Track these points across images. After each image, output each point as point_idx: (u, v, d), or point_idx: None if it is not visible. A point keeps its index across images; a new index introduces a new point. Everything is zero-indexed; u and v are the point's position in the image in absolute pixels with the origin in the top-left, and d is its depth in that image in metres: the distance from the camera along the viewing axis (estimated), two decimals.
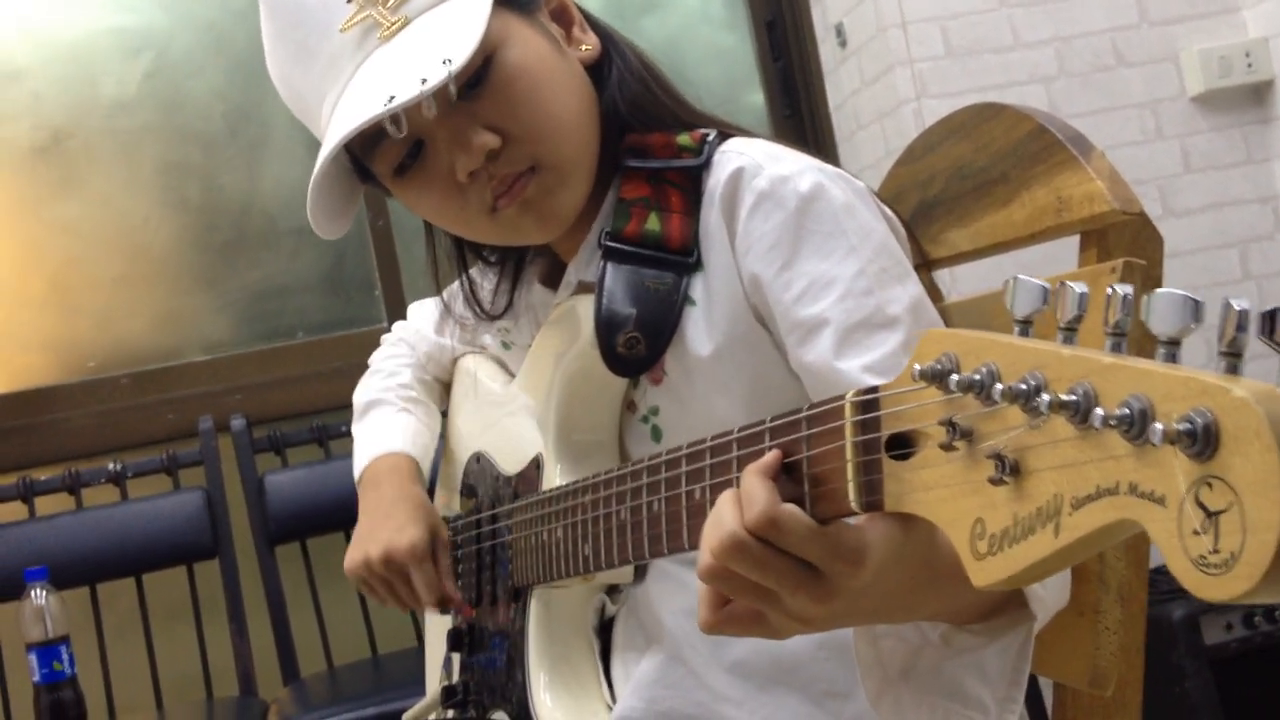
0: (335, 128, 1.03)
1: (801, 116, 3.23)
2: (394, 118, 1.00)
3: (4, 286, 2.90)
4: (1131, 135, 2.94)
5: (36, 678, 1.96)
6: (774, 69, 3.26)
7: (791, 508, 0.71)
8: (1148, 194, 2.89)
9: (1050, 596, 0.86)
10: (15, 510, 2.59)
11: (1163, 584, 2.38)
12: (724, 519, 0.72)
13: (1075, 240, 1.10)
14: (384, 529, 1.24)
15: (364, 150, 1.07)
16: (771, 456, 0.75)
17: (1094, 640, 1.00)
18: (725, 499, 0.74)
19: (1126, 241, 1.05)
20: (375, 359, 1.46)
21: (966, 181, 1.21)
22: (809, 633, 0.77)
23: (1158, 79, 2.97)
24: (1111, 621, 1.00)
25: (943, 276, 1.26)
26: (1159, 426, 0.49)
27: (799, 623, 0.75)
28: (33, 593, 1.99)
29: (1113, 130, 2.90)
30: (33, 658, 1.97)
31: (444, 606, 1.24)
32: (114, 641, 2.53)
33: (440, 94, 0.98)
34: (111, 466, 2.62)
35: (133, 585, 2.54)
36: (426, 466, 1.35)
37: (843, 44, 3.07)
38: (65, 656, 1.98)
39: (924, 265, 1.18)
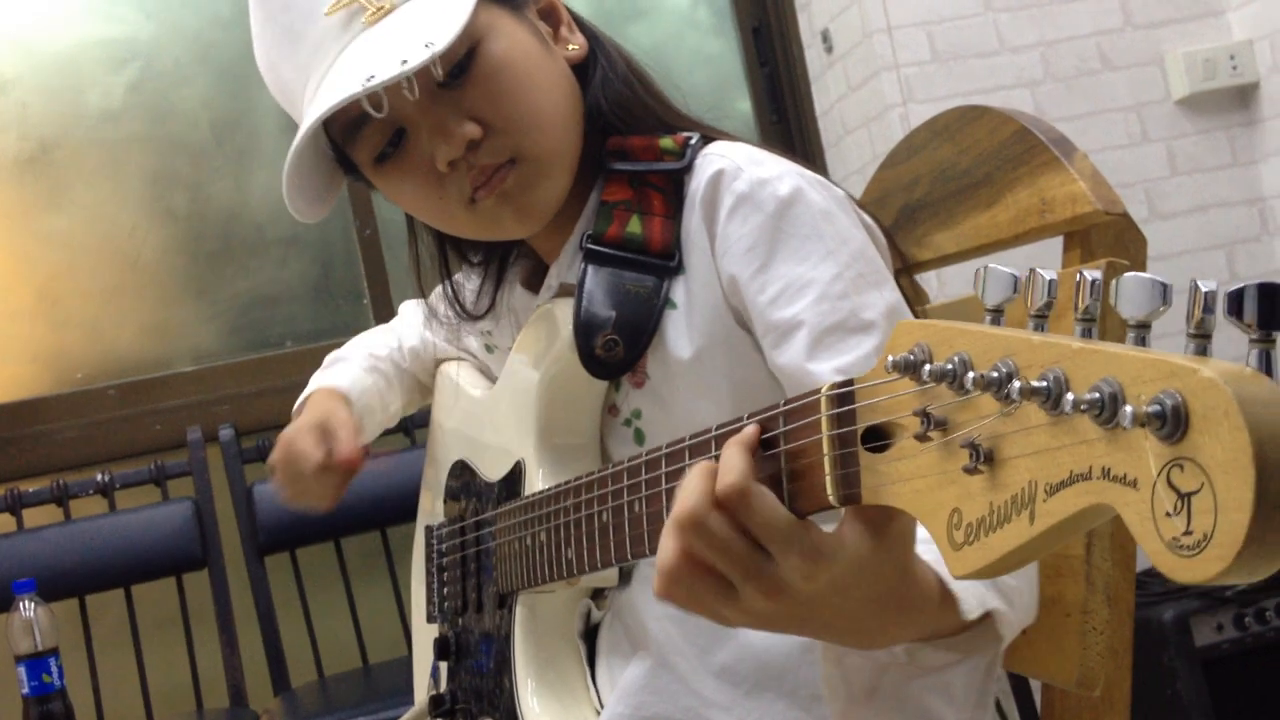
0: (315, 106, 1.03)
1: (788, 122, 3.24)
2: (374, 99, 1.00)
3: None
4: (1117, 139, 2.94)
5: (25, 690, 1.95)
6: (761, 75, 3.26)
7: (764, 488, 0.70)
8: (1134, 197, 2.89)
9: (1017, 615, 0.85)
10: (3, 522, 2.58)
11: (1154, 585, 2.39)
12: (692, 490, 0.71)
13: (1056, 241, 1.10)
14: (286, 429, 1.25)
15: (345, 137, 1.07)
16: (750, 429, 0.74)
17: (1081, 641, 1.00)
18: (697, 470, 0.73)
19: (1109, 242, 1.05)
20: (360, 335, 1.46)
21: (950, 184, 1.21)
22: (756, 629, 0.76)
23: (1143, 82, 2.98)
24: (1099, 622, 1.00)
25: (929, 279, 1.27)
26: (1129, 409, 0.48)
27: (745, 615, 0.73)
28: (21, 605, 1.98)
29: (1099, 134, 2.91)
30: (21, 670, 1.96)
31: (327, 474, 1.21)
32: (103, 653, 2.52)
33: (423, 80, 0.99)
34: (100, 478, 2.61)
35: (122, 596, 2.53)
36: (369, 426, 1.34)
37: (829, 49, 3.07)
38: (54, 669, 1.97)
39: (906, 270, 1.18)
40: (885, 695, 0.83)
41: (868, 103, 2.94)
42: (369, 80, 0.97)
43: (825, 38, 3.08)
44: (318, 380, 1.36)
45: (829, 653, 0.84)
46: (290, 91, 1.10)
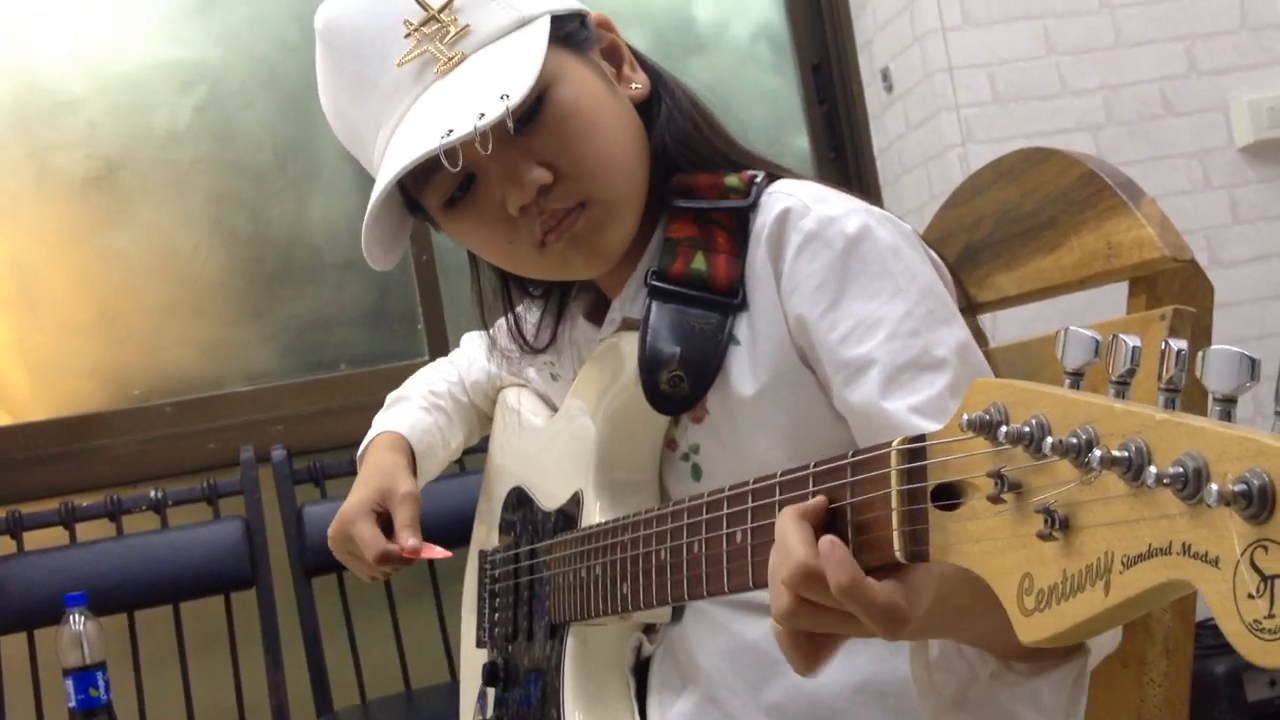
0: (391, 160, 1.03)
1: (846, 159, 3.24)
2: (449, 151, 1.00)
3: (54, 313, 2.93)
4: (1179, 185, 2.92)
5: (72, 703, 1.97)
6: (819, 112, 3.27)
7: (839, 566, 0.70)
8: (1195, 244, 2.85)
9: (1105, 637, 0.85)
10: (57, 535, 2.61)
11: (1207, 638, 2.35)
12: (795, 542, 0.72)
13: (1119, 286, 1.09)
14: (346, 503, 1.26)
15: (415, 183, 1.07)
16: (818, 501, 0.74)
17: (1139, 693, 0.99)
18: (793, 524, 0.73)
19: (1176, 289, 1.04)
20: (419, 372, 1.47)
21: (1014, 225, 1.20)
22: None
23: (1206, 129, 2.95)
24: (1157, 674, 0.99)
25: (983, 321, 1.26)
26: (1214, 487, 0.48)
27: (868, 635, 0.74)
28: (71, 618, 2.00)
29: (1160, 180, 2.88)
30: (69, 683, 1.97)
31: (387, 562, 1.21)
32: (150, 669, 2.53)
33: (495, 129, 0.99)
34: (153, 494, 2.63)
35: (170, 613, 2.55)
36: (428, 466, 1.35)
37: (889, 88, 3.07)
38: (101, 683, 1.98)
39: (969, 309, 1.17)
40: (974, 705, 0.83)
41: (927, 142, 2.93)
42: (447, 135, 0.97)
43: (885, 76, 3.08)
44: (379, 424, 1.37)
45: (919, 657, 0.84)
46: (360, 138, 1.11)
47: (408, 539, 1.20)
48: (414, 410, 1.38)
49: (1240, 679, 2.35)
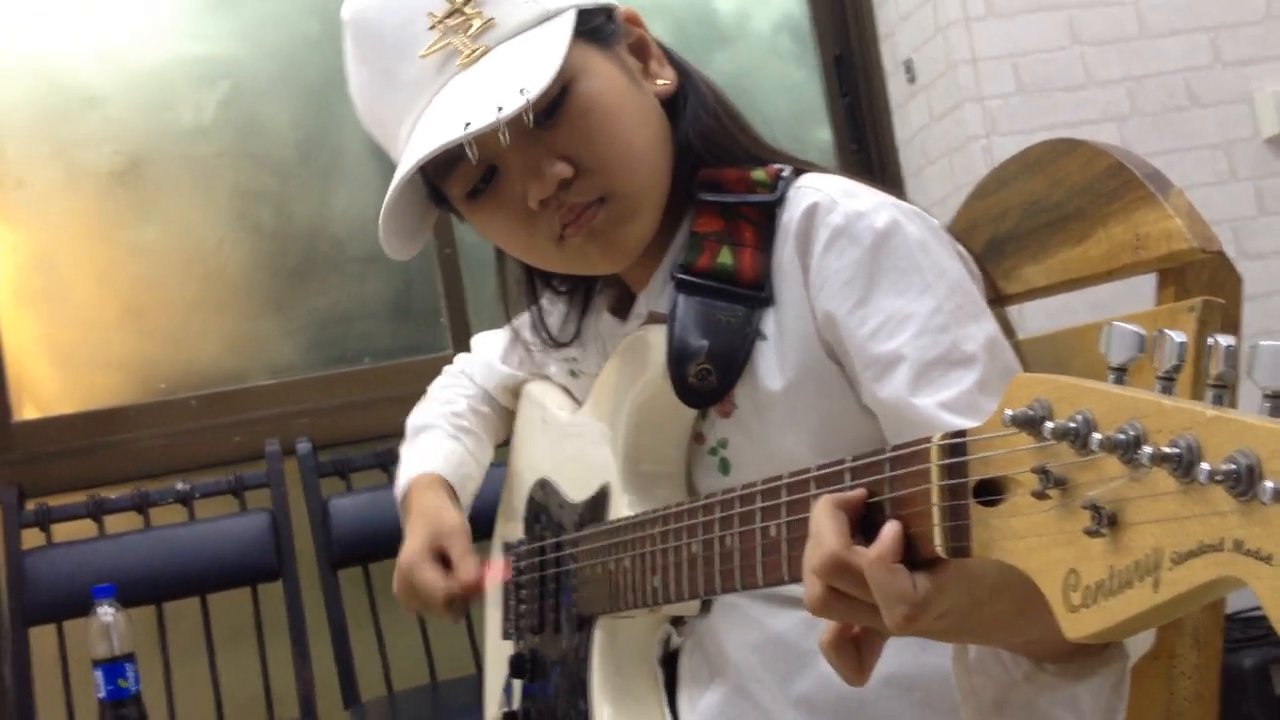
0: (412, 150, 1.05)
1: (869, 151, 3.23)
2: (469, 143, 1.00)
3: (80, 308, 2.95)
4: (1204, 176, 2.90)
5: (101, 694, 1.98)
6: (841, 104, 3.26)
7: (872, 559, 0.70)
8: (1221, 235, 2.82)
9: (1141, 639, 0.85)
10: (85, 528, 2.63)
11: (1235, 631, 2.34)
12: (827, 533, 0.72)
13: (1146, 278, 1.09)
14: (401, 553, 1.27)
15: (438, 173, 1.08)
16: (857, 494, 0.74)
17: (1169, 685, 0.99)
18: (827, 513, 0.73)
19: (1205, 280, 1.04)
20: (433, 388, 1.47)
21: (1041, 217, 1.20)
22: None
23: (1231, 120, 2.94)
24: (1187, 667, 0.99)
25: (1010, 313, 1.26)
26: (1269, 485, 0.47)
27: (897, 630, 0.74)
28: (100, 610, 2.01)
29: (1185, 171, 2.86)
30: (98, 674, 1.98)
31: (455, 602, 1.24)
32: (178, 660, 2.55)
33: (515, 122, 0.99)
34: (179, 487, 2.65)
35: (197, 605, 2.56)
36: (468, 494, 1.36)
37: (911, 80, 3.06)
38: (130, 674, 1.99)
39: (996, 301, 1.17)
40: (1014, 709, 0.82)
41: (950, 134, 2.92)
42: (466, 127, 0.98)
43: (908, 68, 3.07)
44: (409, 460, 1.38)
45: (960, 660, 0.84)
46: (385, 129, 1.12)
47: (468, 570, 1.22)
48: (442, 440, 1.38)
49: (1269, 673, 2.34)
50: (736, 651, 1.07)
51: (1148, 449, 0.53)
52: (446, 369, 1.50)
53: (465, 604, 1.25)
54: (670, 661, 1.16)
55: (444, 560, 1.25)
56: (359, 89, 1.13)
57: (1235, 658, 2.32)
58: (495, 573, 1.21)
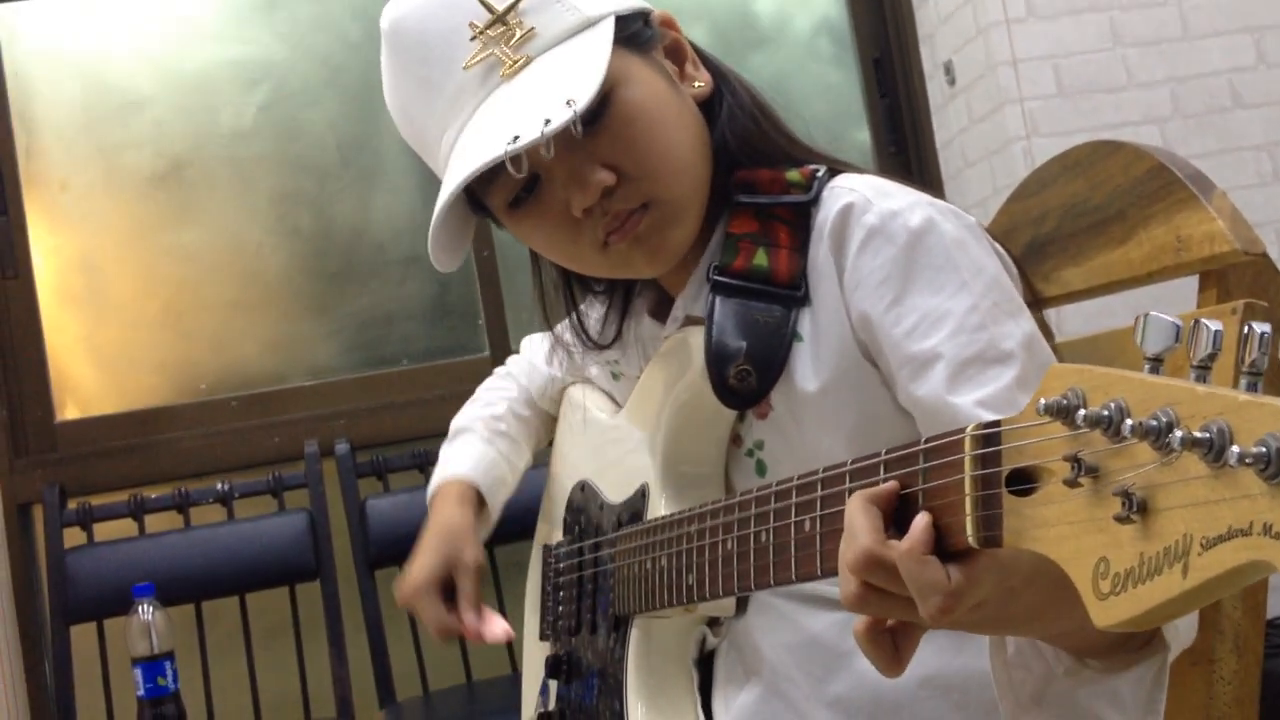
0: (458, 165, 1.04)
1: (908, 153, 3.22)
2: (514, 156, 1.00)
3: (121, 309, 2.98)
4: (1247, 178, 2.87)
5: (141, 692, 2.00)
6: (880, 105, 3.25)
7: (907, 550, 0.70)
8: (1265, 238, 2.81)
9: (1183, 632, 0.84)
10: (126, 527, 2.65)
11: (1275, 637, 2.31)
12: (861, 529, 0.72)
13: (1188, 281, 1.08)
14: (411, 564, 1.28)
15: (480, 185, 1.08)
16: (888, 488, 0.74)
17: (1208, 690, 0.98)
18: (861, 508, 0.74)
19: (1248, 283, 1.03)
20: (480, 389, 1.48)
21: (1081, 219, 1.19)
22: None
23: (1275, 121, 2.91)
24: (1227, 672, 0.98)
25: (1047, 316, 1.25)
26: None
27: (933, 622, 0.74)
28: (140, 608, 2.03)
29: (1228, 172, 2.84)
30: (138, 672, 2.00)
31: (448, 636, 1.24)
32: (216, 659, 2.57)
33: (561, 134, 0.99)
34: (219, 487, 2.67)
35: (236, 604, 2.58)
36: (499, 499, 1.36)
37: (951, 81, 3.05)
38: (169, 672, 2.01)
39: (1035, 303, 1.16)
40: (1052, 702, 0.82)
41: (990, 135, 2.91)
42: (514, 141, 0.97)
43: (948, 70, 3.05)
44: (445, 461, 1.39)
45: (998, 653, 0.84)
46: (425, 139, 1.11)
47: (469, 617, 1.23)
48: (477, 444, 1.39)
49: None
50: (772, 652, 1.07)
51: (1179, 433, 0.52)
52: (496, 370, 1.50)
53: (459, 635, 1.26)
54: (706, 662, 1.16)
55: (451, 588, 1.26)
56: (398, 98, 1.12)
57: (1275, 663, 2.29)
58: (491, 629, 1.21)
